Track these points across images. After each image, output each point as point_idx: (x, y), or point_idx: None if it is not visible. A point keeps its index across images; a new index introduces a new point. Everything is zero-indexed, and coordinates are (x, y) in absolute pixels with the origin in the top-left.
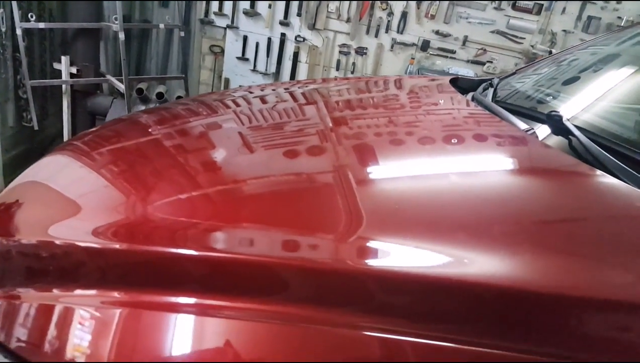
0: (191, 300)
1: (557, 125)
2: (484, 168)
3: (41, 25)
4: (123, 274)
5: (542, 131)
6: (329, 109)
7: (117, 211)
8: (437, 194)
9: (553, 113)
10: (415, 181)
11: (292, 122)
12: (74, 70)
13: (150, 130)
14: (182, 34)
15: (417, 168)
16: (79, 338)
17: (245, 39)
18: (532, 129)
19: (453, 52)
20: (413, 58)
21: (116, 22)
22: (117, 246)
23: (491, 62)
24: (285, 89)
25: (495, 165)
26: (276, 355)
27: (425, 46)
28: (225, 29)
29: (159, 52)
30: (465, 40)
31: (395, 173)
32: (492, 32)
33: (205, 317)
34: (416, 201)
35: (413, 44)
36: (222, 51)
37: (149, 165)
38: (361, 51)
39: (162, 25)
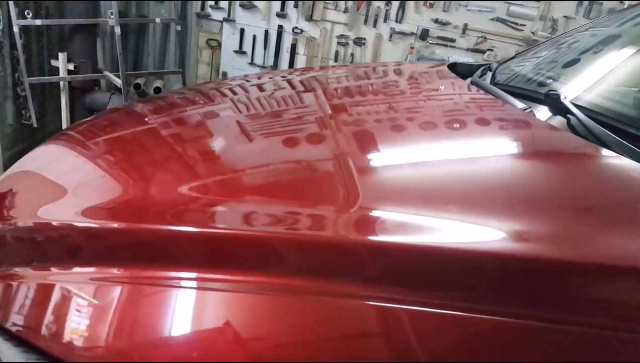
0: (192, 275)
1: (555, 104)
2: (483, 147)
3: (38, 22)
4: (122, 251)
5: (541, 110)
6: (327, 96)
7: (114, 192)
8: (438, 170)
9: (551, 92)
10: (414, 158)
11: (290, 109)
12: (71, 66)
13: (145, 118)
14: (179, 28)
15: (418, 147)
16: (78, 315)
17: (242, 32)
18: (530, 108)
19: (453, 40)
20: (412, 48)
21: (112, 16)
22: (115, 225)
23: (492, 50)
24: (282, 77)
25: (495, 145)
26: (278, 326)
27: (424, 35)
28: (221, 22)
29: (156, 47)
30: (465, 29)
31: (393, 149)
32: (492, 19)
33: (206, 291)
34: (416, 175)
35: (412, 33)
36: (219, 45)
37: (144, 150)
38: (359, 42)
39: (158, 20)
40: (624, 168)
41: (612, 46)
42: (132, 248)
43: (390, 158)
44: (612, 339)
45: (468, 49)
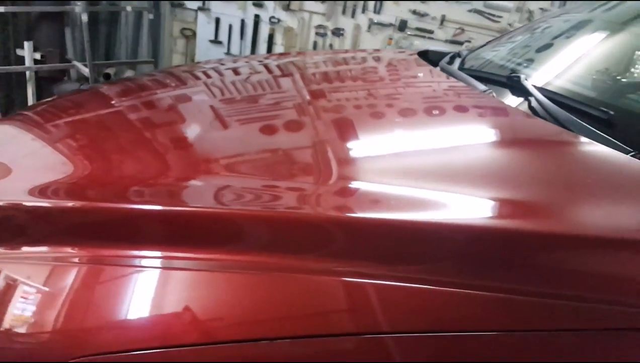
0: (155, 254)
1: (516, 86)
2: (441, 126)
3: (1, 9)
4: (77, 230)
5: (502, 92)
6: (305, 81)
7: (71, 170)
8: (400, 147)
9: (512, 75)
10: (377, 137)
11: (266, 93)
12: (38, 56)
13: (106, 99)
14: (151, 16)
15: (380, 127)
16: (24, 301)
17: (217, 21)
18: (490, 90)
19: (431, 32)
20: (391, 39)
21: (79, 2)
22: (70, 203)
23: (469, 42)
24: (259, 61)
25: (453, 124)
26: (246, 304)
27: (402, 26)
28: (196, 11)
29: (129, 36)
30: (442, 20)
31: (356, 129)
32: (470, 10)
33: (170, 270)
34: (379, 153)
35: (390, 24)
36: (194, 34)
37: (104, 129)
38: (338, 32)
39: (129, 8)
40: (580, 146)
41: (574, 34)
42: (89, 226)
43: (354, 138)
44: (578, 310)
45: (446, 41)
